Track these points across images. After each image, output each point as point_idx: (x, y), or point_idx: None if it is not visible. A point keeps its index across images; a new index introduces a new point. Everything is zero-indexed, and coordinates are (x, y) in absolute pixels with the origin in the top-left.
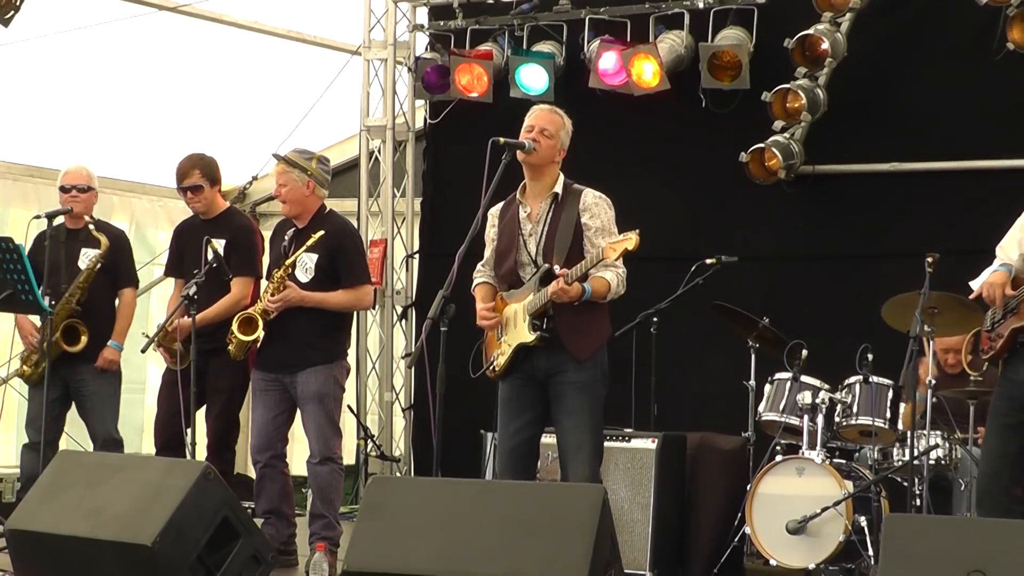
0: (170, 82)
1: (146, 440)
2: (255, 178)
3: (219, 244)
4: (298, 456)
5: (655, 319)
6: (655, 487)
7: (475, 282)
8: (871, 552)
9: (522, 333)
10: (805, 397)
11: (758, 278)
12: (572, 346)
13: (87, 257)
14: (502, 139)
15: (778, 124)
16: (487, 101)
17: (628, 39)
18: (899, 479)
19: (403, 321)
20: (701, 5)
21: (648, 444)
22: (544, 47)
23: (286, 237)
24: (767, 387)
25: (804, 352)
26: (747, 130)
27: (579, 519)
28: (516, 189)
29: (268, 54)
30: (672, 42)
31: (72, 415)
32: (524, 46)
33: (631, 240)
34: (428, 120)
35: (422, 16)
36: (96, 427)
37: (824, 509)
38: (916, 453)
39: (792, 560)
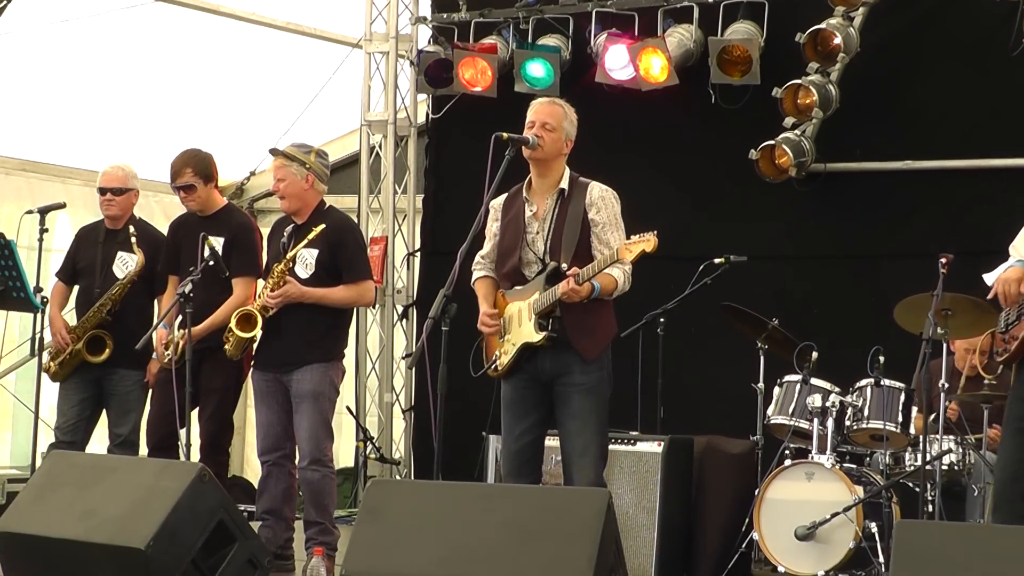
0: (166, 75)
1: (143, 441)
2: (253, 173)
3: (217, 242)
4: None
5: (662, 320)
6: (661, 491)
7: (475, 276)
8: (882, 559)
9: (528, 332)
10: (815, 400)
11: (768, 278)
12: (580, 345)
13: (122, 262)
14: (505, 134)
15: (789, 121)
16: (491, 96)
17: (636, 33)
18: (911, 484)
19: (404, 321)
20: None
21: (654, 447)
22: (550, 41)
23: (285, 233)
24: (776, 390)
25: (814, 354)
26: (757, 127)
27: (583, 524)
28: (515, 181)
29: (267, 47)
30: (681, 36)
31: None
32: (529, 40)
33: (649, 242)
34: (430, 115)
35: (425, 8)
36: (116, 427)
37: (834, 515)
38: (928, 458)
39: (801, 567)
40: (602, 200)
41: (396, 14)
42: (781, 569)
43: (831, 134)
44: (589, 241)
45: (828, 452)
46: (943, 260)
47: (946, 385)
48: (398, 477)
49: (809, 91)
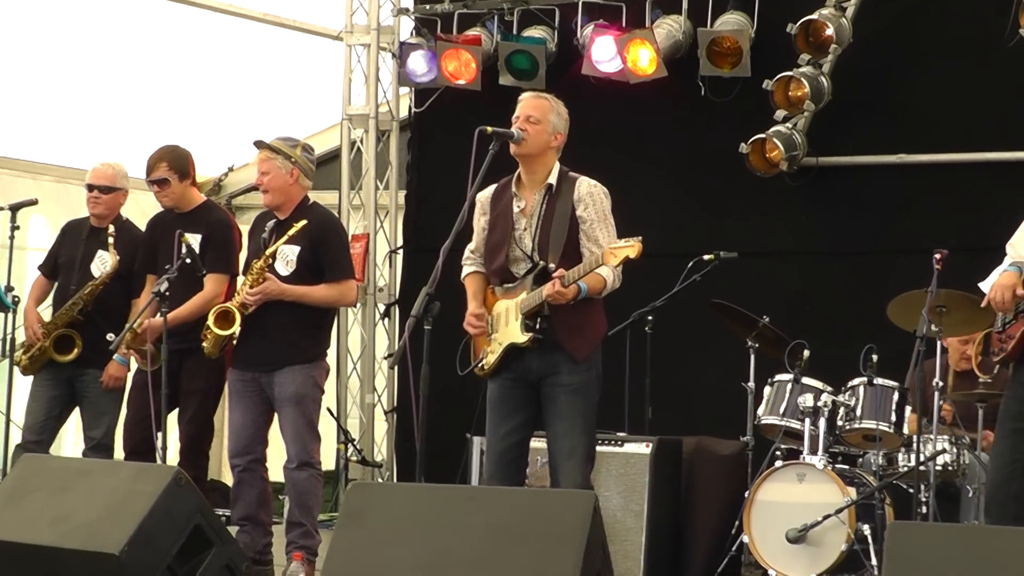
0: (142, 69)
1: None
2: (231, 169)
3: (194, 239)
4: (276, 461)
5: (650, 318)
6: (649, 494)
7: (464, 271)
8: (875, 562)
9: (514, 332)
10: (806, 400)
11: (758, 275)
12: (569, 345)
13: (101, 261)
14: (489, 128)
15: (780, 114)
16: (475, 89)
17: (623, 24)
18: (904, 486)
19: (386, 320)
20: None
21: (642, 449)
22: (535, 32)
23: (266, 228)
24: (767, 389)
25: (806, 352)
26: (748, 120)
27: (569, 527)
28: (501, 178)
29: (245, 39)
30: (669, 27)
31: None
32: (514, 31)
33: (633, 248)
34: (413, 109)
35: None
36: (90, 430)
37: (826, 517)
38: (923, 458)
39: (792, 570)
40: (590, 196)
41: (377, 5)
42: (772, 573)
43: (823, 127)
44: (577, 238)
45: (820, 453)
46: (938, 256)
47: (940, 384)
48: (380, 480)
49: (801, 83)
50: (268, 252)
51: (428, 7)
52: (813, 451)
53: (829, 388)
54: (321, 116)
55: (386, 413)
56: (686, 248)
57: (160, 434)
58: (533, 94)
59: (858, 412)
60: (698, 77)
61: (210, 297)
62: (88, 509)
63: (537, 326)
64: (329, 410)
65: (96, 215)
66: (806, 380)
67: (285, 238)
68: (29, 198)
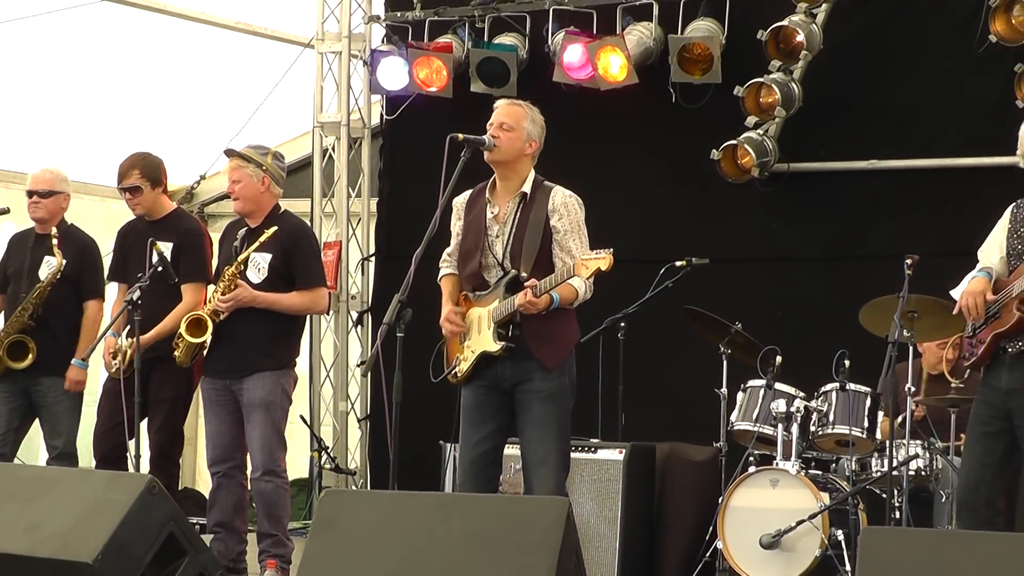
0: (112, 76)
1: (87, 453)
2: (203, 177)
3: (165, 247)
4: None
5: (623, 324)
6: (623, 500)
7: (441, 272)
8: (848, 568)
9: (486, 340)
10: (779, 405)
11: (730, 281)
12: (540, 354)
13: (48, 266)
14: (461, 135)
15: (751, 120)
16: (447, 96)
17: (594, 31)
18: (878, 491)
19: (359, 327)
20: None
21: (615, 455)
22: (506, 39)
23: (237, 236)
24: (739, 395)
25: (778, 358)
26: (719, 126)
27: (542, 534)
28: (484, 183)
29: (216, 47)
30: (640, 34)
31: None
32: (485, 38)
33: (604, 260)
34: (384, 116)
35: (378, 7)
36: (52, 439)
37: (799, 522)
38: (895, 463)
39: None
40: (564, 207)
41: (349, 13)
42: None
43: (794, 133)
44: (550, 248)
45: (793, 458)
46: (909, 261)
47: (912, 389)
48: (354, 488)
49: (771, 89)
50: (239, 260)
51: (399, 15)
52: (786, 457)
53: (802, 394)
54: (292, 124)
55: (359, 421)
56: (658, 254)
57: (133, 442)
58: (508, 101)
59: (831, 417)
60: (669, 84)
61: (190, 307)
62: (61, 518)
63: (509, 334)
64: (302, 418)
65: (37, 220)
66: (779, 386)
67: (256, 245)
68: (1, 207)
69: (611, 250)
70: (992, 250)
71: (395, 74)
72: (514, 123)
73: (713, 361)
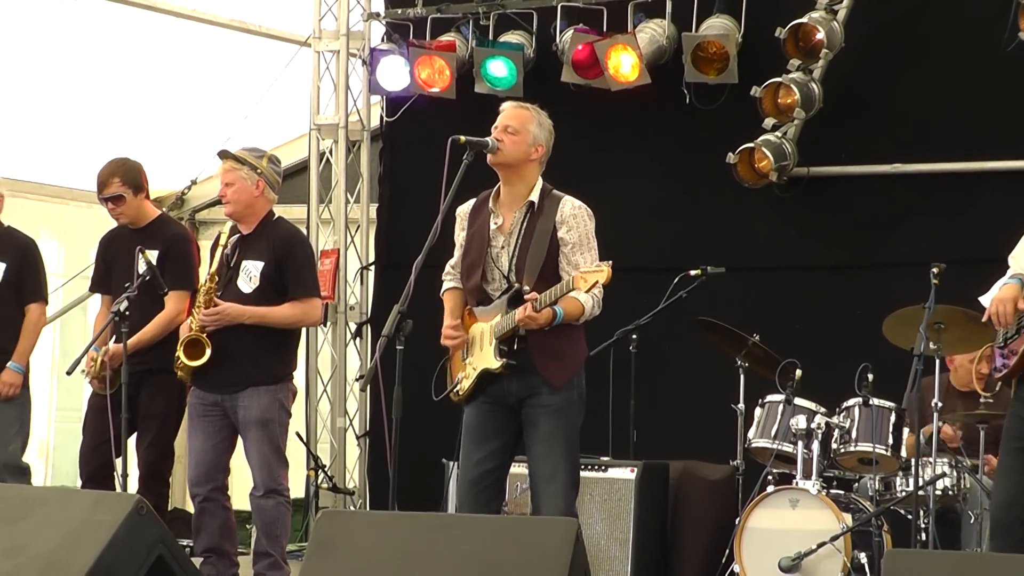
0: (99, 76)
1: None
2: (194, 182)
3: (151, 255)
4: (240, 488)
5: (634, 336)
6: (635, 521)
7: (444, 287)
8: None
9: (488, 357)
10: (799, 422)
11: (747, 291)
12: (547, 372)
13: None
14: (463, 137)
15: (769, 122)
16: (450, 97)
17: (604, 29)
18: (903, 511)
19: (357, 339)
20: None
21: (627, 474)
22: (512, 38)
23: (229, 243)
24: (757, 411)
25: (798, 372)
26: (735, 128)
27: (549, 556)
28: (479, 192)
29: (207, 45)
30: (653, 32)
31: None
32: (490, 36)
33: (603, 273)
34: (384, 118)
35: (378, 4)
36: None
37: (820, 545)
38: (921, 483)
39: None
40: (574, 218)
41: (347, 10)
42: None
43: (814, 136)
44: (557, 261)
45: (814, 477)
46: (935, 270)
47: (939, 404)
48: (352, 508)
49: (790, 90)
50: (211, 272)
51: (400, 11)
52: (807, 475)
53: (823, 409)
54: (288, 126)
55: (358, 438)
56: (671, 263)
57: (120, 460)
58: (515, 103)
59: (853, 434)
60: (683, 84)
61: (173, 315)
62: (45, 539)
63: (512, 350)
64: (299, 435)
65: None
66: (798, 401)
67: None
68: None
69: (610, 262)
70: (1023, 256)
71: (395, 74)
72: (519, 126)
73: (729, 375)
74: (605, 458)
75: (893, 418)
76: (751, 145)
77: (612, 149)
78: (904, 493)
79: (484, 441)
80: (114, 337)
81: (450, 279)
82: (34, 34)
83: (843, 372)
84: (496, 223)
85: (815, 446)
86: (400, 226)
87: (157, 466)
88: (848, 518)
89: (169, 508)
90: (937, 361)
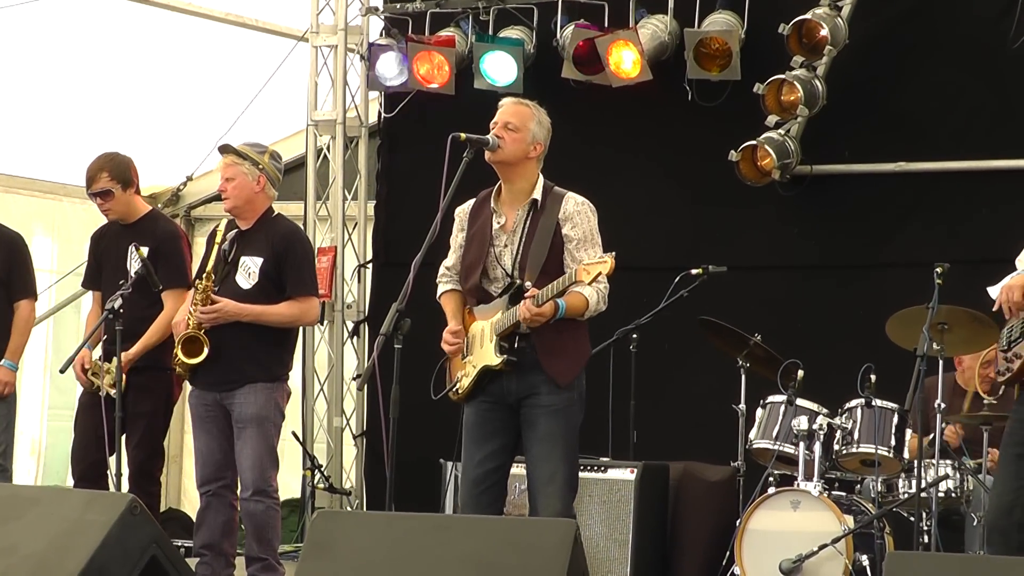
0: (95, 72)
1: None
2: (189, 178)
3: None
4: None
5: (635, 336)
6: (634, 522)
7: (440, 289)
8: None
9: (488, 355)
10: (801, 422)
11: (749, 290)
12: (551, 369)
13: None
14: (463, 134)
15: (772, 119)
16: (449, 93)
17: (606, 24)
18: (905, 514)
19: (355, 338)
20: None
21: (626, 475)
22: (512, 33)
23: (227, 238)
24: (759, 411)
25: (800, 372)
26: (738, 126)
27: (547, 558)
28: (481, 190)
29: (203, 40)
30: (655, 28)
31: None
32: (490, 32)
33: (606, 264)
34: (383, 114)
35: None
36: None
37: (822, 547)
38: (924, 484)
39: None
40: (578, 214)
41: (345, 4)
42: None
43: (818, 133)
44: (561, 258)
45: (815, 479)
46: (939, 270)
47: (943, 405)
48: (348, 508)
49: (793, 87)
50: (208, 270)
51: (398, 6)
52: (808, 477)
53: (825, 410)
54: (285, 122)
55: (355, 437)
56: (672, 262)
57: (114, 459)
58: (514, 100)
59: (855, 435)
60: (685, 80)
61: (172, 314)
62: (37, 539)
63: (513, 347)
64: (295, 434)
65: None
66: (800, 402)
67: (214, 256)
68: None
69: (613, 253)
70: None
71: (394, 69)
72: (520, 123)
73: (730, 375)
74: (605, 459)
75: (896, 419)
76: (754, 143)
77: (613, 146)
78: (907, 495)
79: (485, 441)
80: (105, 336)
81: (447, 280)
82: (27, 29)
83: (845, 373)
84: (499, 222)
85: (817, 447)
86: (398, 224)
87: (146, 465)
88: (850, 520)
89: (163, 508)
90: (940, 362)
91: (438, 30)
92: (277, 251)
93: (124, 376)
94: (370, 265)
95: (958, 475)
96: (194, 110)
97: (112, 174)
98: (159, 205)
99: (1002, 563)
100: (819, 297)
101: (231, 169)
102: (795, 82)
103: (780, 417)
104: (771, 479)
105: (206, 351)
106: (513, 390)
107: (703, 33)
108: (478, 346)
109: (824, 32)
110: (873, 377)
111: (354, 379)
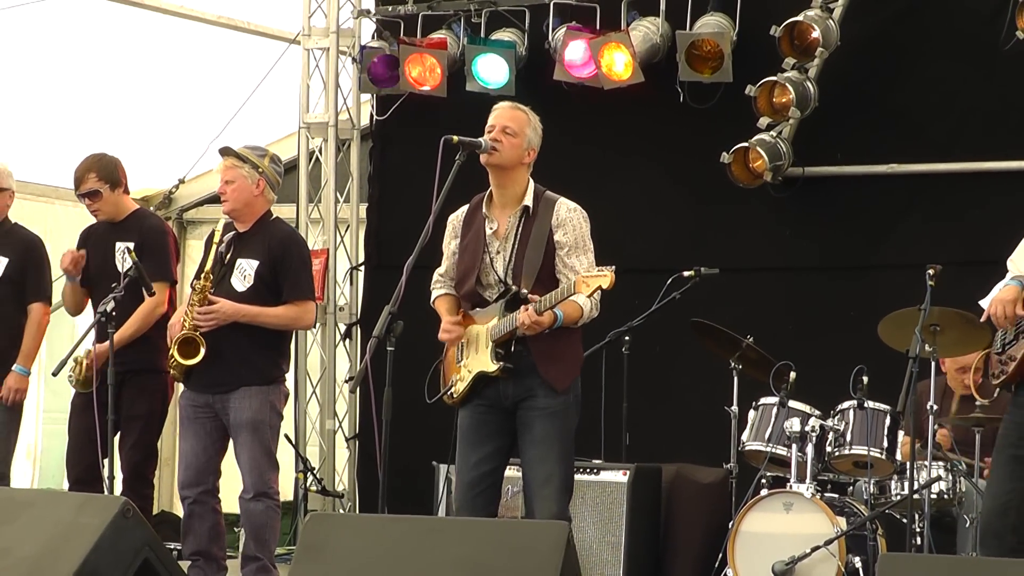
0: (87, 74)
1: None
2: (182, 181)
3: (128, 247)
4: (230, 491)
5: (627, 338)
6: (627, 524)
7: (434, 294)
8: None
9: (484, 360)
10: (793, 424)
11: (741, 292)
12: (549, 375)
13: None
14: (456, 137)
15: (764, 121)
16: (441, 95)
17: (597, 26)
18: (898, 515)
19: (347, 341)
20: None
21: (619, 477)
22: (504, 35)
23: (224, 240)
24: (751, 413)
25: (792, 374)
26: (729, 128)
27: (540, 560)
28: (473, 193)
29: (195, 43)
30: (646, 30)
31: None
32: (482, 34)
33: (605, 278)
34: (375, 116)
35: (368, 1)
36: None
37: (814, 549)
38: (916, 486)
39: None
40: (570, 221)
41: (337, 7)
42: None
43: (810, 135)
44: (553, 263)
45: (808, 481)
46: (931, 271)
47: (935, 407)
48: (341, 511)
49: (785, 89)
50: (206, 271)
51: (390, 9)
52: (800, 479)
53: (817, 412)
54: (277, 125)
55: (347, 440)
56: (664, 264)
57: (107, 462)
58: (510, 104)
59: (848, 437)
60: (677, 83)
61: (153, 307)
62: (30, 542)
63: (509, 352)
64: (287, 437)
65: None
66: (793, 404)
67: (212, 258)
68: None
69: (612, 267)
70: (1022, 260)
71: (386, 72)
72: (518, 129)
73: (723, 377)
74: (597, 461)
75: (888, 421)
76: (746, 145)
77: (605, 148)
78: (899, 497)
79: (480, 443)
80: (96, 336)
81: (440, 286)
82: (18, 33)
83: (838, 374)
84: (491, 228)
85: (809, 449)
86: (390, 226)
87: (140, 467)
88: (842, 522)
89: (156, 511)
90: (933, 363)
91: (430, 32)
92: (274, 254)
93: (121, 378)
94: (362, 268)
95: (951, 477)
96: (186, 113)
97: (100, 175)
98: (152, 207)
99: (994, 565)
100: (811, 299)
101: (231, 172)
102: (787, 84)
103: (772, 419)
104: (764, 481)
105: (202, 352)
106: (509, 394)
107: (695, 35)
108: (473, 351)
109: (816, 34)
110: (865, 379)
111: (347, 381)
